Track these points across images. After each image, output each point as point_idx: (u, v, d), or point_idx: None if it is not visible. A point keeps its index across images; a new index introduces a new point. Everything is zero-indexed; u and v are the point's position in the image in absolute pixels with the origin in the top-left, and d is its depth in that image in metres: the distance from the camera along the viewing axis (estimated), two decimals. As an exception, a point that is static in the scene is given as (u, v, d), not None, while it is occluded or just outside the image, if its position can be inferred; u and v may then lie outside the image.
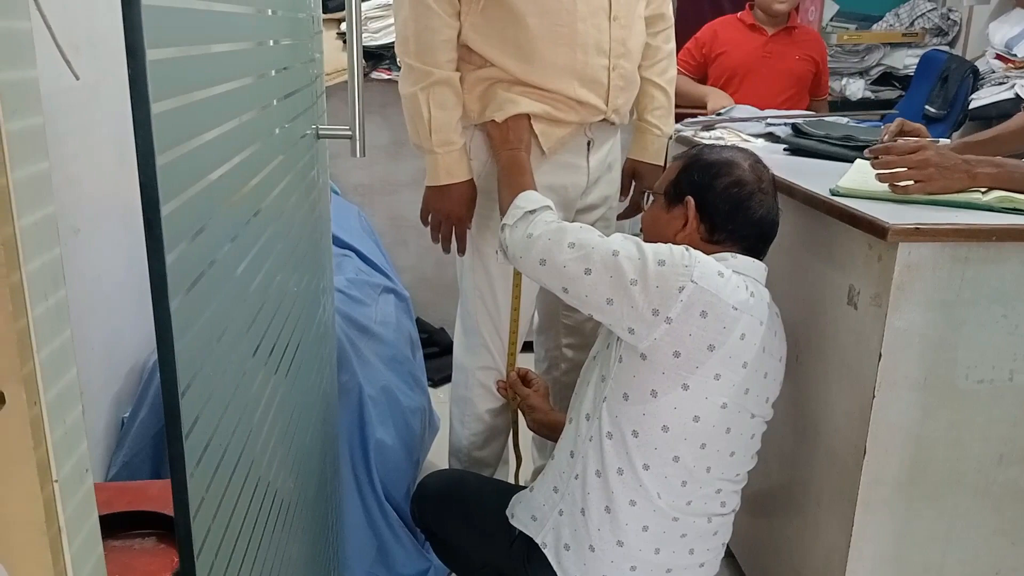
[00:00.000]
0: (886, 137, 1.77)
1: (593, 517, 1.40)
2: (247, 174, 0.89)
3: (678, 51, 2.75)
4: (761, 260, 1.44)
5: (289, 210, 1.16)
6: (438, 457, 2.21)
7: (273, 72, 1.09)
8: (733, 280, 1.32)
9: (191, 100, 0.65)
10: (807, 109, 2.87)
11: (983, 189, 1.46)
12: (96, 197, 1.57)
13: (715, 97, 2.74)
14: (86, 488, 0.69)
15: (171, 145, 0.55)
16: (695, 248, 1.36)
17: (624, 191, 1.98)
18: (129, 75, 0.48)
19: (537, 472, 2.05)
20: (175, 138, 0.58)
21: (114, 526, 1.15)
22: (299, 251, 1.24)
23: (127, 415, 1.61)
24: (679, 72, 2.79)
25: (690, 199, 1.42)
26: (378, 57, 2.87)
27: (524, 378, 1.85)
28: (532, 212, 1.48)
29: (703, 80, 2.99)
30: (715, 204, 1.41)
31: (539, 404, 1.79)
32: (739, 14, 2.99)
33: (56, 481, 0.64)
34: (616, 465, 1.38)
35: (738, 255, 1.40)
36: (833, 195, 1.51)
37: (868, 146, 1.80)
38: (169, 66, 0.58)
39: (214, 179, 0.73)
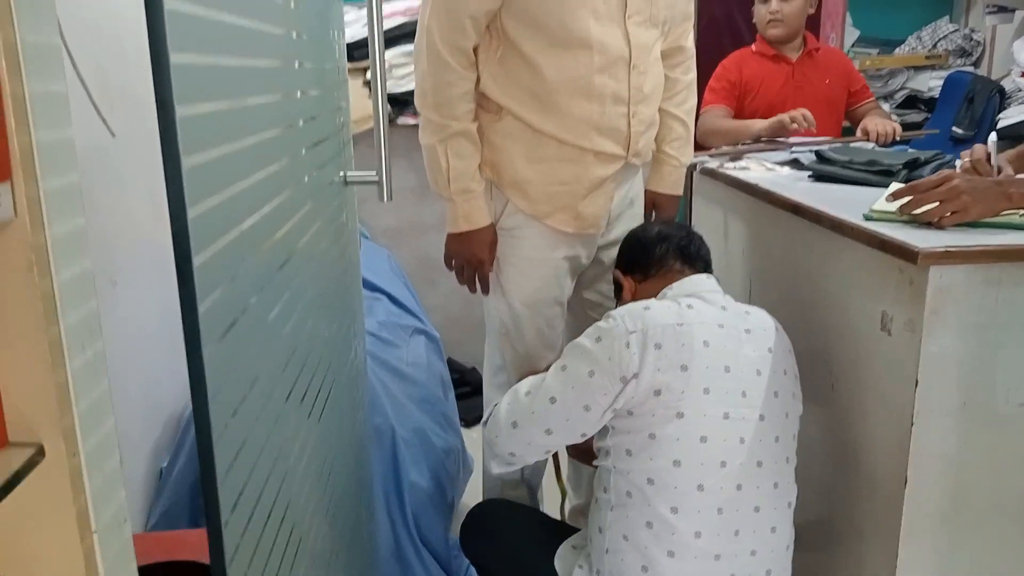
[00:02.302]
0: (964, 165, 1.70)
1: None
2: (278, 222, 0.91)
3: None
4: (704, 271, 1.55)
5: (319, 256, 1.18)
6: (473, 498, 2.20)
7: (301, 122, 1.12)
8: (659, 306, 1.41)
9: (222, 153, 0.67)
10: (857, 120, 2.70)
11: (1021, 211, 1.44)
12: (132, 248, 1.61)
13: (764, 124, 2.57)
14: (125, 538, 0.70)
15: (202, 197, 0.57)
16: (642, 297, 1.50)
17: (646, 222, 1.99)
18: (160, 130, 0.50)
19: (575, 512, 2.03)
20: (207, 190, 0.59)
21: None
22: (330, 296, 1.25)
23: (165, 464, 1.63)
24: (725, 114, 2.78)
25: (617, 272, 1.64)
26: (403, 103, 2.92)
27: None
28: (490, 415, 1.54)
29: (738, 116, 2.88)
30: (629, 256, 1.63)
31: None
32: (753, 47, 2.87)
33: (95, 531, 0.65)
34: (644, 520, 1.35)
35: (675, 283, 1.51)
36: (867, 220, 1.50)
37: (892, 170, 1.79)
38: (199, 120, 0.60)
39: (245, 228, 0.75)
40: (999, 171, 1.62)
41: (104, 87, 1.35)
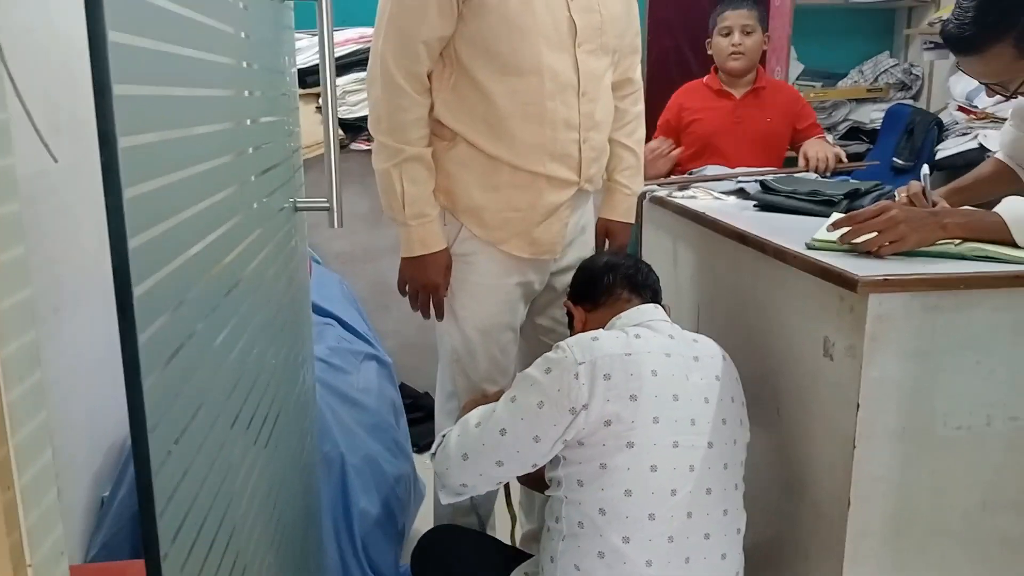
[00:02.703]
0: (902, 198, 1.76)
1: None
2: (226, 248, 0.91)
3: (655, 121, 2.79)
4: (652, 299, 1.58)
5: (268, 282, 1.17)
6: (425, 524, 2.19)
7: (251, 150, 1.12)
8: (607, 336, 1.43)
9: (167, 182, 0.67)
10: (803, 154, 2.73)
11: (956, 241, 1.49)
12: (76, 275, 1.58)
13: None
14: (61, 572, 0.69)
15: (145, 227, 0.57)
16: (593, 327, 1.54)
17: (598, 251, 2.01)
18: (102, 161, 0.50)
19: (527, 537, 2.03)
20: (149, 219, 0.59)
21: (93, 609, 1.13)
22: (278, 321, 1.24)
23: (107, 494, 1.59)
24: (661, 143, 2.81)
25: (569, 303, 1.67)
26: (357, 129, 2.92)
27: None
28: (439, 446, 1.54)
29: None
30: (579, 286, 1.67)
31: None
32: (705, 79, 2.90)
33: (30, 566, 0.64)
34: (595, 550, 1.35)
35: (622, 313, 1.54)
36: (809, 249, 1.53)
37: (834, 200, 1.84)
38: (143, 151, 0.60)
39: (191, 255, 0.74)
40: (933, 204, 1.68)
41: (50, 113, 1.33)
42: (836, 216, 1.68)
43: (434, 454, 1.53)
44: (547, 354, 1.43)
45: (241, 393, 0.94)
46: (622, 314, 1.53)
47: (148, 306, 0.56)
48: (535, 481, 1.75)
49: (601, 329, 1.49)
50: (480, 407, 1.50)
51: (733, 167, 2.46)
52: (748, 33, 2.71)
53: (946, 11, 3.35)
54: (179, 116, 0.73)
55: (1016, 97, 1.60)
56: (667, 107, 2.90)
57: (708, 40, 2.83)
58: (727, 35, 2.74)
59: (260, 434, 1.05)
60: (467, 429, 1.47)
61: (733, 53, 2.71)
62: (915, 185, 1.72)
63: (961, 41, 1.51)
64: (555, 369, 1.38)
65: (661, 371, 1.38)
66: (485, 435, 1.42)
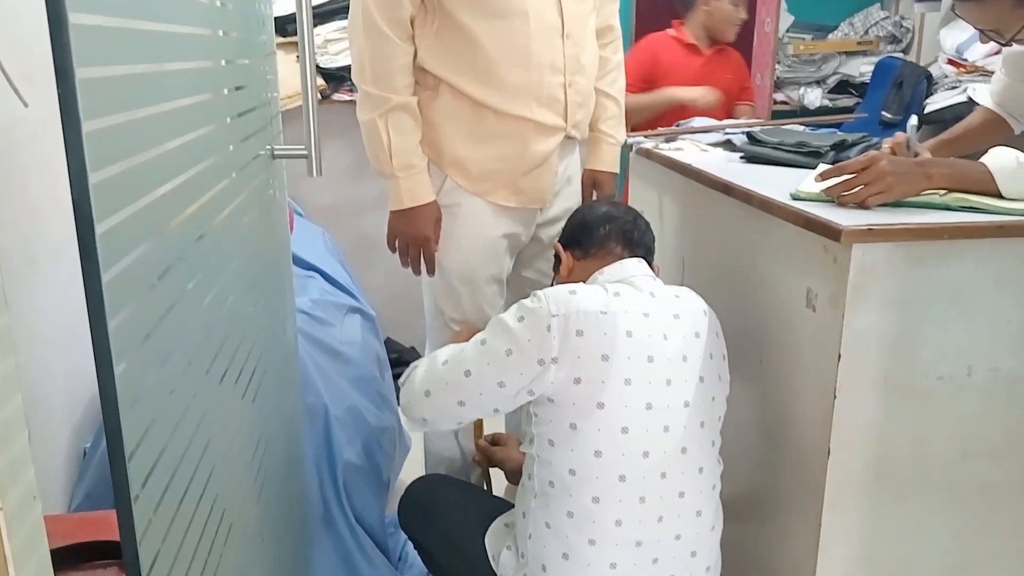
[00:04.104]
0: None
1: (554, 570, 1.38)
2: (197, 191, 0.89)
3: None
4: (644, 257, 1.54)
5: (244, 230, 1.15)
6: (410, 476, 2.20)
7: (226, 91, 1.09)
8: (585, 291, 1.39)
9: (131, 117, 0.65)
10: (734, 115, 2.89)
11: (941, 191, 1.49)
12: (55, 226, 1.56)
13: (684, 91, 2.73)
14: (34, 517, 0.68)
15: (107, 163, 0.55)
16: (579, 275, 1.52)
17: (585, 201, 2.00)
18: (59, 95, 0.48)
19: (511, 488, 2.04)
20: (112, 155, 0.57)
21: (74, 557, 1.13)
22: (256, 270, 1.23)
23: (88, 445, 1.59)
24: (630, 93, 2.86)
25: (558, 245, 1.62)
26: (339, 79, 2.87)
27: (494, 440, 1.85)
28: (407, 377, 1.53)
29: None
30: (572, 231, 1.60)
31: (514, 456, 1.77)
32: (671, 32, 2.94)
33: (1, 510, 0.63)
34: (565, 510, 1.35)
35: (607, 267, 1.50)
36: (794, 199, 1.52)
37: (821, 151, 1.83)
38: (105, 84, 0.57)
39: (160, 195, 0.73)
40: (916, 156, 1.68)
41: (23, 63, 1.30)
42: (823, 167, 1.67)
43: (401, 385, 1.51)
44: (523, 301, 1.41)
45: (216, 341, 0.93)
46: (605, 269, 1.50)
47: (112, 245, 0.55)
48: (514, 475, 1.74)
49: (581, 283, 1.47)
50: (451, 345, 1.48)
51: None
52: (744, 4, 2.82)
53: (938, -38, 3.31)
54: (147, 50, 0.71)
55: (1011, 45, 1.58)
56: (636, 57, 2.91)
57: None
58: (737, 5, 2.81)
59: (238, 382, 1.04)
60: (434, 365, 1.45)
61: (737, 24, 2.82)
62: (899, 136, 1.71)
63: None
64: (528, 318, 1.36)
65: (637, 332, 1.35)
66: (450, 374, 1.41)
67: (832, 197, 1.49)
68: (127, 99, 0.63)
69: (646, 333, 1.36)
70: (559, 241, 1.64)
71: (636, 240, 1.56)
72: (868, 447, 1.46)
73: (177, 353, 0.74)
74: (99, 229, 0.51)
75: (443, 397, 1.42)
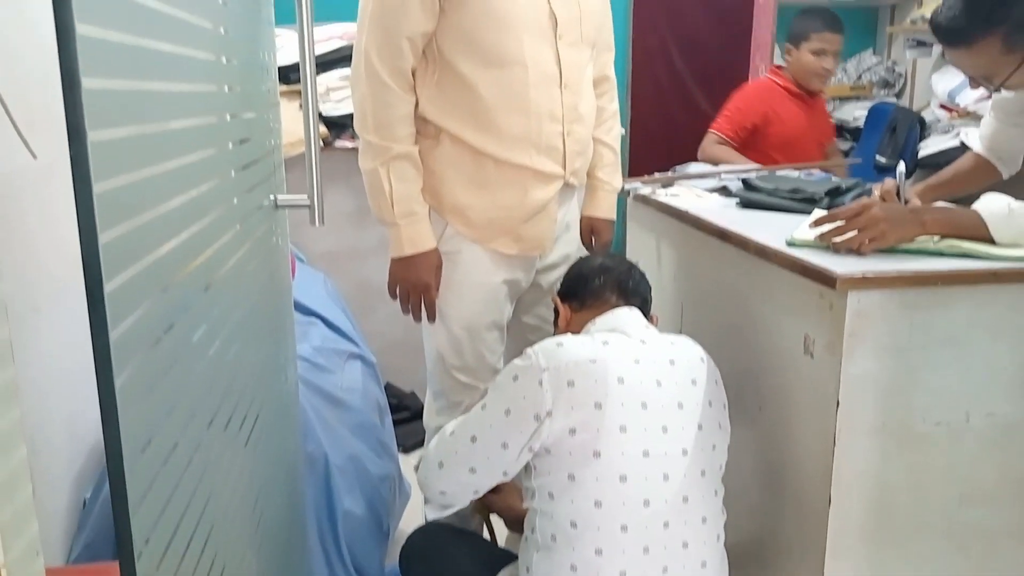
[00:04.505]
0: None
1: None
2: (203, 244, 0.90)
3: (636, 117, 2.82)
4: (640, 307, 1.55)
5: (247, 278, 1.17)
6: (410, 525, 2.19)
7: (231, 145, 1.11)
8: (574, 341, 1.41)
9: (140, 176, 0.66)
10: (828, 156, 2.90)
11: (935, 237, 1.51)
12: (57, 274, 1.57)
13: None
14: (36, 570, 0.68)
15: (117, 222, 0.57)
16: (576, 327, 1.54)
17: (585, 248, 2.02)
18: (71, 156, 0.49)
19: (513, 539, 2.03)
20: (122, 214, 0.59)
21: (72, 610, 1.12)
22: (259, 319, 1.24)
23: (88, 495, 1.58)
24: (722, 141, 2.89)
25: (556, 298, 1.64)
26: (341, 126, 2.91)
27: (492, 488, 1.84)
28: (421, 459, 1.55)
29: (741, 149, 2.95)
30: (569, 284, 1.63)
31: (514, 504, 1.73)
32: (775, 78, 2.92)
33: (3, 565, 0.63)
34: (568, 563, 1.34)
35: (599, 317, 1.52)
36: (790, 246, 1.54)
37: (815, 198, 1.85)
38: (115, 145, 0.59)
39: (167, 251, 0.74)
40: (906, 202, 1.70)
41: (27, 110, 1.32)
42: (818, 213, 1.69)
43: (417, 467, 1.53)
44: (515, 360, 1.42)
45: (219, 392, 0.94)
46: (597, 319, 1.52)
47: (120, 302, 0.56)
48: (515, 523, 1.73)
49: (569, 334, 1.48)
50: (455, 423, 1.48)
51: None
52: (835, 57, 2.79)
53: (928, 9, 3.38)
54: (154, 110, 0.73)
55: (1000, 91, 1.61)
56: (752, 105, 2.91)
57: (788, 47, 2.85)
58: (820, 55, 2.76)
59: (240, 433, 1.05)
60: (443, 438, 1.47)
61: (822, 76, 2.79)
62: (888, 182, 1.74)
63: (950, 32, 1.51)
64: (521, 376, 1.37)
65: (628, 378, 1.36)
66: (458, 443, 1.42)
67: (827, 243, 1.50)
68: (136, 159, 0.65)
69: (638, 380, 1.36)
70: (557, 294, 1.66)
71: (631, 290, 1.57)
72: (868, 494, 1.46)
73: (181, 405, 0.75)
74: (108, 288, 0.52)
75: (455, 467, 1.43)
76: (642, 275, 1.62)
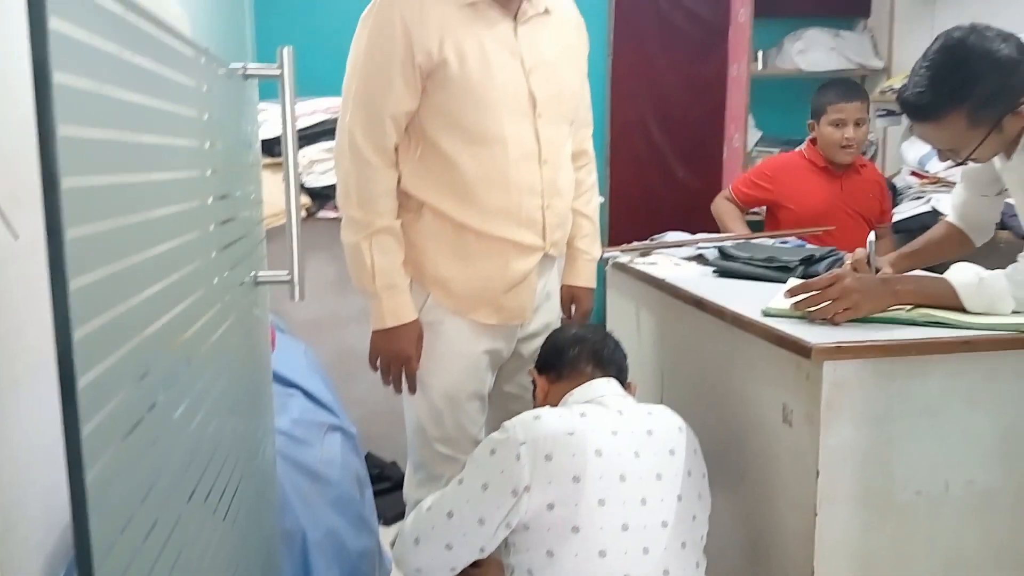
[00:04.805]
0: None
1: None
2: (183, 326, 0.90)
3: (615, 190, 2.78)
4: (616, 376, 1.57)
5: (228, 354, 1.16)
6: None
7: (212, 227, 1.13)
8: (551, 415, 1.42)
9: (119, 268, 0.67)
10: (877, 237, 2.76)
11: (907, 307, 1.53)
12: (38, 347, 1.56)
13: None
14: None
15: (93, 315, 0.57)
16: (554, 398, 1.55)
17: (565, 315, 2.03)
18: (48, 252, 0.50)
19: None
20: (98, 308, 0.59)
21: None
22: (238, 393, 1.24)
23: (63, 574, 1.54)
24: (730, 199, 2.89)
25: (534, 371, 1.67)
26: (324, 197, 2.94)
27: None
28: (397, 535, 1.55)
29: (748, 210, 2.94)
30: (545, 356, 1.66)
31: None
32: (806, 152, 2.85)
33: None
34: None
35: (575, 389, 1.53)
36: (765, 315, 1.56)
37: (790, 266, 1.88)
38: (95, 239, 0.60)
39: (146, 336, 0.74)
40: (877, 271, 1.73)
41: (11, 183, 1.33)
42: (792, 282, 1.72)
43: (393, 542, 1.51)
44: (493, 434, 1.43)
45: (199, 465, 0.93)
46: (574, 391, 1.53)
47: (95, 395, 0.56)
48: None
49: (547, 407, 1.49)
50: (431, 500, 1.48)
51: (837, 241, 2.36)
52: (859, 125, 2.73)
53: (897, 80, 3.49)
54: (135, 202, 0.74)
55: (966, 163, 1.66)
56: (757, 172, 2.93)
57: (811, 123, 2.82)
58: (839, 126, 2.71)
59: (219, 507, 1.03)
60: (420, 514, 1.46)
61: (845, 147, 2.72)
62: (859, 252, 1.78)
63: (918, 108, 1.56)
64: (499, 450, 1.37)
65: (606, 450, 1.36)
66: (434, 518, 1.41)
67: (802, 313, 1.53)
68: (114, 251, 0.66)
69: (616, 451, 1.37)
70: (535, 366, 1.67)
71: (607, 359, 1.59)
72: (851, 564, 1.45)
73: (162, 482, 0.75)
74: (81, 383, 0.52)
75: (432, 543, 1.42)
76: (617, 344, 1.64)
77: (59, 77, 0.53)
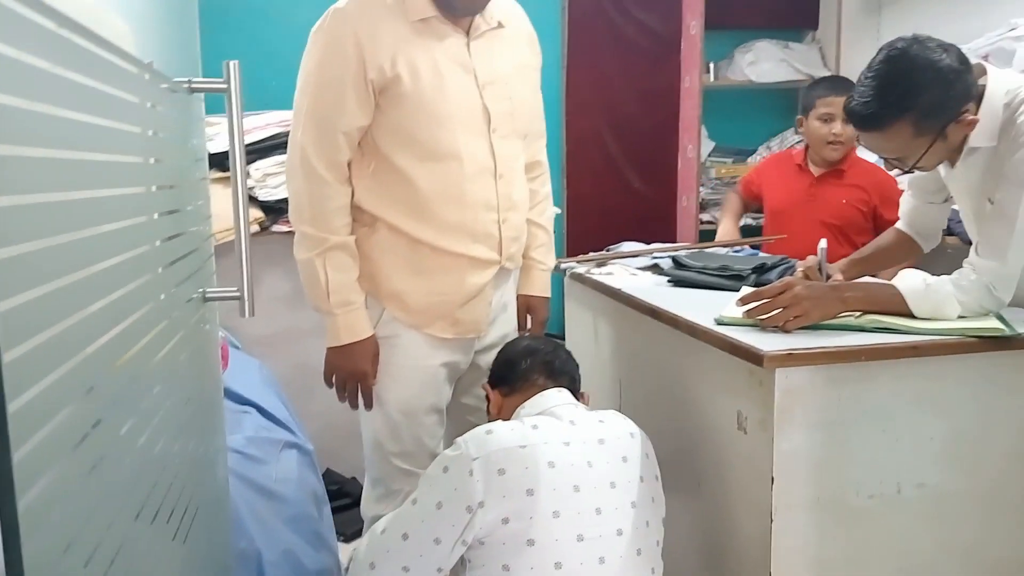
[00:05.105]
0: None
1: None
2: (128, 343, 0.88)
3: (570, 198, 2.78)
4: (568, 386, 1.57)
5: (176, 370, 1.14)
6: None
7: (158, 243, 1.10)
8: (503, 428, 1.41)
9: (54, 287, 0.66)
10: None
11: (857, 313, 1.56)
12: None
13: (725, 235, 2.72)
14: None
15: (24, 338, 0.55)
16: (507, 412, 1.56)
17: (521, 327, 2.03)
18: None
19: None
20: (31, 329, 0.58)
21: None
22: (187, 411, 1.21)
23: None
24: (738, 193, 2.89)
25: (487, 385, 1.67)
26: (278, 211, 2.91)
27: None
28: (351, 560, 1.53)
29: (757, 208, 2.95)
30: (497, 369, 1.66)
31: None
32: (794, 150, 2.83)
33: None
34: None
35: (527, 401, 1.54)
36: (719, 324, 1.58)
37: (742, 275, 1.90)
38: (25, 260, 0.59)
39: (88, 354, 0.73)
40: (828, 278, 1.76)
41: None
42: (745, 290, 1.74)
43: (346, 569, 1.49)
44: (445, 451, 1.42)
45: (147, 484, 0.91)
46: (527, 403, 1.53)
47: (29, 418, 0.54)
48: None
49: (499, 420, 1.48)
50: (385, 522, 1.46)
51: (799, 245, 2.29)
52: (846, 121, 2.41)
53: (844, 91, 3.55)
54: (73, 219, 0.72)
55: (913, 172, 1.69)
56: (754, 170, 2.95)
57: (799, 118, 2.69)
58: (827, 121, 2.57)
59: (168, 527, 1.01)
60: (374, 536, 1.44)
61: (832, 143, 2.57)
62: (810, 259, 1.80)
63: (863, 118, 1.59)
64: (451, 467, 1.37)
65: (559, 462, 1.36)
66: (389, 540, 1.40)
67: (754, 320, 1.54)
68: (48, 270, 0.64)
69: (568, 462, 1.37)
70: (488, 381, 1.67)
71: (558, 369, 1.59)
72: (808, 569, 1.47)
73: (107, 502, 0.73)
74: (12, 408, 0.50)
75: (387, 566, 1.40)
76: (568, 354, 1.64)
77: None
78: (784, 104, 4.16)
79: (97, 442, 0.73)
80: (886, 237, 2.02)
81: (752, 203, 2.92)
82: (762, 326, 1.53)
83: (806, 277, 1.74)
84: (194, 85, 1.28)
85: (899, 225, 2.00)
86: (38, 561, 0.56)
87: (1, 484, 0.48)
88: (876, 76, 1.56)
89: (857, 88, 1.60)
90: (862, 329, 1.51)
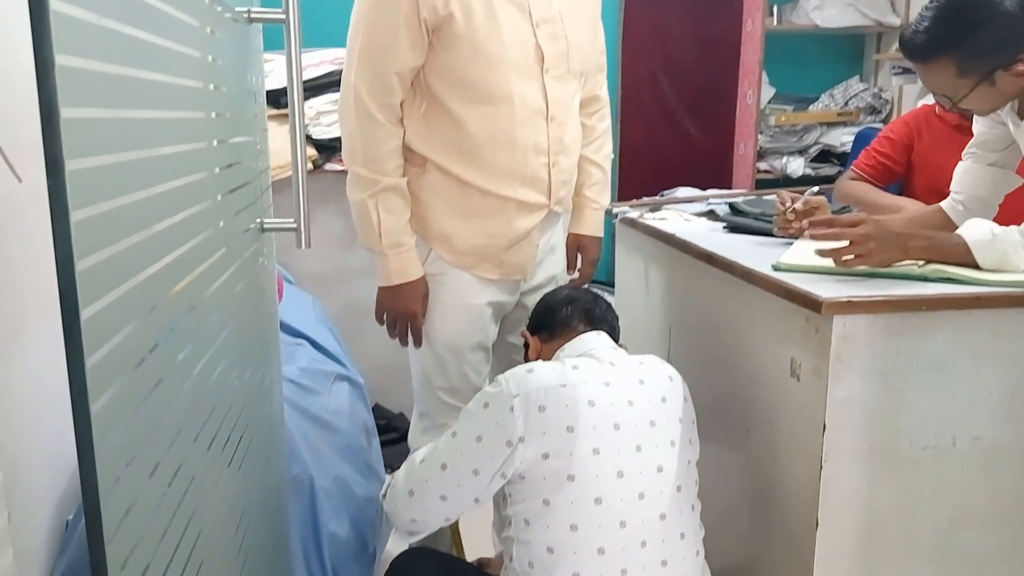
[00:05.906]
0: (786, 207, 1.84)
1: None
2: (187, 267, 0.90)
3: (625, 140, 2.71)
4: (605, 330, 1.57)
5: (234, 301, 1.16)
6: (396, 545, 2.17)
7: (218, 169, 1.12)
8: (543, 367, 1.42)
9: (121, 203, 0.67)
10: None
11: (920, 262, 1.52)
12: (39, 298, 1.56)
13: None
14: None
15: (94, 249, 0.57)
16: (546, 357, 1.55)
17: (571, 266, 2.03)
18: (49, 187, 0.49)
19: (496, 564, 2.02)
20: (100, 241, 0.59)
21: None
22: (244, 340, 1.24)
23: (71, 517, 1.57)
24: (856, 177, 2.41)
25: (526, 332, 1.67)
26: (331, 149, 2.92)
27: (480, 563, 1.84)
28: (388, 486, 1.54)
29: (887, 186, 2.43)
30: (537, 316, 1.66)
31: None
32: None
33: (-23, 593, 0.63)
34: None
35: (566, 344, 1.54)
36: (776, 270, 1.55)
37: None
38: (96, 174, 0.59)
39: (150, 275, 0.74)
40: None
41: (14, 135, 1.32)
42: (803, 240, 1.71)
43: (384, 495, 1.52)
44: (486, 387, 1.43)
45: (204, 411, 0.94)
46: (566, 345, 1.53)
47: (98, 328, 0.56)
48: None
49: (541, 360, 1.49)
50: (427, 445, 1.49)
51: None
52: None
53: (913, 37, 3.41)
54: (138, 138, 0.73)
55: (956, 110, 1.63)
56: (898, 130, 2.42)
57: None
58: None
59: (224, 453, 1.04)
60: (412, 466, 1.46)
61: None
62: (815, 200, 1.79)
63: (912, 47, 1.55)
64: (492, 403, 1.38)
65: (599, 401, 1.36)
66: (428, 471, 1.42)
67: (813, 265, 1.52)
68: (117, 186, 0.65)
69: (608, 401, 1.37)
70: (527, 328, 1.67)
71: (598, 317, 1.59)
72: (856, 518, 1.46)
73: (165, 423, 0.75)
74: (84, 315, 0.52)
75: (426, 494, 1.42)
76: (608, 305, 1.64)
77: (55, 5, 0.51)
78: (850, 50, 4.03)
79: (155, 365, 0.75)
80: (927, 214, 1.86)
81: (885, 183, 2.42)
82: (823, 256, 1.51)
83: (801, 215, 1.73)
84: (253, 15, 1.28)
85: (946, 202, 1.83)
86: (108, 472, 0.58)
87: (76, 387, 0.49)
88: (935, 7, 1.52)
89: (917, 15, 1.56)
90: (924, 279, 1.47)
